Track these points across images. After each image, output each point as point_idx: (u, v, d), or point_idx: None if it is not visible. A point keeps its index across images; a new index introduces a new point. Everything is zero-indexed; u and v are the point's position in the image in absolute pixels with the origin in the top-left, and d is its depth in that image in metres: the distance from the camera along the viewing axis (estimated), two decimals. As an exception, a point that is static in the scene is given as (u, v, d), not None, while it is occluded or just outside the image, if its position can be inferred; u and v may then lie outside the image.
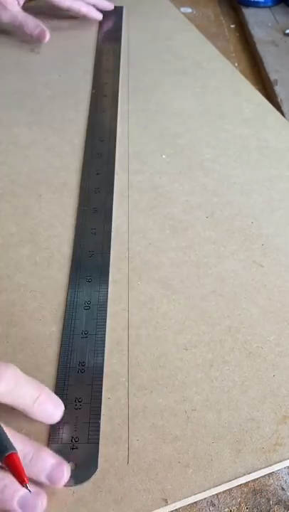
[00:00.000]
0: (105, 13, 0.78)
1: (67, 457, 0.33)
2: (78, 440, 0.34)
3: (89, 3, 0.77)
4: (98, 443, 0.34)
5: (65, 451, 0.33)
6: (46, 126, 0.60)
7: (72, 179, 0.53)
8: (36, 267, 0.44)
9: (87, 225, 0.48)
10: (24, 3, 0.76)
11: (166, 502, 0.32)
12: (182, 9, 0.83)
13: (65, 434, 0.34)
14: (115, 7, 0.79)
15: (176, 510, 0.32)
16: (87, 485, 0.32)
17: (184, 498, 0.32)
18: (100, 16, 0.77)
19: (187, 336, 0.40)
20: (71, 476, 0.32)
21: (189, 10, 0.83)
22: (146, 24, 0.76)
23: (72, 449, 0.33)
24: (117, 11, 0.79)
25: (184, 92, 0.64)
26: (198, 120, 0.60)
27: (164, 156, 0.56)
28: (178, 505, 0.32)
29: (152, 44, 0.73)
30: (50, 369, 0.38)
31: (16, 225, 0.48)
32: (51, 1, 0.75)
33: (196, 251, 0.46)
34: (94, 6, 0.77)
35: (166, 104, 0.63)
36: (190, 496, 0.32)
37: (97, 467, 0.33)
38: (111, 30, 0.76)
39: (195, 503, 0.32)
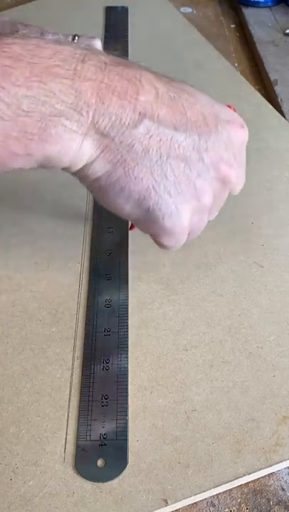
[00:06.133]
0: (110, 13, 0.78)
1: (95, 454, 0.33)
2: (106, 437, 0.34)
3: None
4: (127, 439, 0.34)
5: (93, 448, 0.33)
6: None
7: (73, 180, 0.53)
8: (36, 268, 0.44)
9: (104, 224, 0.48)
10: None
11: (166, 502, 0.32)
12: (182, 9, 0.83)
13: (93, 431, 0.34)
14: (121, 7, 0.79)
15: (176, 510, 0.32)
16: (87, 485, 0.32)
17: (184, 498, 0.32)
18: None
19: (187, 337, 0.40)
20: (100, 474, 0.32)
21: (189, 10, 0.83)
22: (146, 25, 0.76)
23: (101, 445, 0.34)
24: (123, 11, 0.79)
25: (184, 93, 0.64)
26: (198, 120, 0.60)
27: (164, 157, 0.56)
28: (178, 505, 0.32)
29: (152, 45, 0.72)
30: (50, 369, 0.38)
31: (17, 226, 0.48)
32: None
33: (196, 251, 0.46)
34: None
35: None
36: (190, 497, 0.32)
37: (126, 463, 0.33)
38: (117, 30, 0.76)
39: (195, 503, 0.32)
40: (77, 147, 0.31)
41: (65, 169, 0.33)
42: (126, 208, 0.34)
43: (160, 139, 0.32)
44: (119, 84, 0.31)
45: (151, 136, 0.32)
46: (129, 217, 0.35)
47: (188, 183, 0.34)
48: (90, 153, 0.32)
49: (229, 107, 0.38)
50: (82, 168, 0.33)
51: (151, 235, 0.37)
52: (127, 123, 0.31)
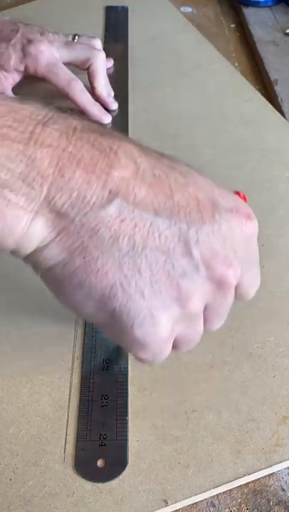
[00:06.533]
0: (110, 13, 0.78)
1: (95, 454, 0.33)
2: (106, 437, 0.34)
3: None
4: (126, 439, 0.34)
5: (93, 449, 0.33)
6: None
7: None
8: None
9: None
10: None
11: (166, 503, 0.32)
12: (182, 9, 0.82)
13: (92, 432, 0.34)
14: (121, 7, 0.79)
15: (176, 510, 0.32)
16: (86, 485, 0.32)
17: (184, 498, 0.32)
18: (107, 120, 0.60)
19: (187, 337, 0.40)
20: (100, 474, 0.32)
21: (189, 9, 0.83)
22: (146, 24, 0.76)
23: (101, 446, 0.34)
24: (123, 11, 0.79)
25: (184, 93, 0.64)
26: (198, 121, 0.60)
27: (164, 157, 0.55)
28: (178, 506, 0.32)
29: (152, 44, 0.72)
30: (50, 369, 0.38)
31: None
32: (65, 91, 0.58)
33: (196, 251, 0.46)
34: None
35: (166, 105, 0.63)
36: (190, 497, 0.32)
37: (126, 464, 0.33)
38: (117, 29, 0.76)
39: (195, 503, 0.32)
40: (24, 227, 0.25)
41: (13, 253, 0.27)
42: (86, 308, 0.27)
43: (135, 225, 0.26)
44: (88, 155, 0.25)
45: (123, 221, 0.26)
46: (91, 320, 0.29)
47: (170, 283, 0.27)
48: (41, 235, 0.26)
49: (238, 194, 0.32)
50: (33, 254, 0.26)
51: (121, 345, 0.30)
52: (92, 202, 0.25)
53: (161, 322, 0.27)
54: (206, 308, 0.29)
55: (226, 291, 0.29)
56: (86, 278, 0.26)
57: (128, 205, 0.26)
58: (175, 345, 0.30)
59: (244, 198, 0.33)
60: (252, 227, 0.29)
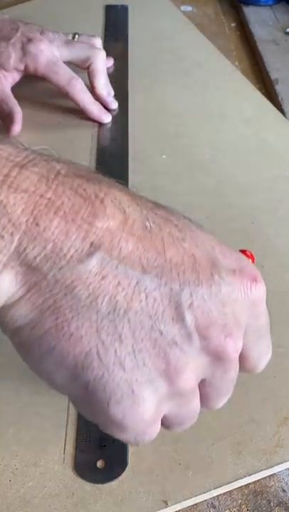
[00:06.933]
0: (110, 12, 0.78)
1: (95, 455, 0.33)
2: (106, 438, 0.34)
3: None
4: None
5: (93, 449, 0.33)
6: (47, 127, 0.60)
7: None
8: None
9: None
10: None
11: (166, 504, 0.32)
12: (182, 7, 0.82)
13: (92, 432, 0.34)
14: (120, 5, 0.79)
15: (176, 511, 0.32)
16: (86, 486, 0.32)
17: (184, 499, 0.32)
18: (107, 119, 0.60)
19: (187, 337, 0.39)
20: (100, 475, 0.32)
21: (189, 8, 0.83)
22: (146, 23, 0.76)
23: (101, 447, 0.34)
24: (123, 10, 0.79)
25: (184, 92, 0.64)
26: (198, 120, 0.60)
27: (164, 157, 0.55)
28: (178, 507, 0.32)
29: (152, 43, 0.72)
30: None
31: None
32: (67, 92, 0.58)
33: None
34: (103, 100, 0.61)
35: (166, 104, 0.63)
36: (190, 498, 0.32)
37: (126, 465, 0.33)
38: (117, 28, 0.75)
39: (195, 504, 0.32)
40: None
41: None
42: (56, 378, 0.24)
43: (118, 283, 0.22)
44: (69, 202, 0.22)
45: (104, 278, 0.22)
46: (62, 392, 0.25)
47: (156, 353, 0.23)
48: (9, 291, 0.22)
49: (244, 252, 0.28)
50: None
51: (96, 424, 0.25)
52: (69, 255, 0.22)
53: (143, 400, 0.23)
54: (204, 384, 0.25)
55: (226, 365, 0.25)
56: (57, 343, 0.22)
57: (111, 260, 0.22)
58: (166, 425, 0.26)
59: (251, 257, 0.30)
60: (258, 292, 0.26)
